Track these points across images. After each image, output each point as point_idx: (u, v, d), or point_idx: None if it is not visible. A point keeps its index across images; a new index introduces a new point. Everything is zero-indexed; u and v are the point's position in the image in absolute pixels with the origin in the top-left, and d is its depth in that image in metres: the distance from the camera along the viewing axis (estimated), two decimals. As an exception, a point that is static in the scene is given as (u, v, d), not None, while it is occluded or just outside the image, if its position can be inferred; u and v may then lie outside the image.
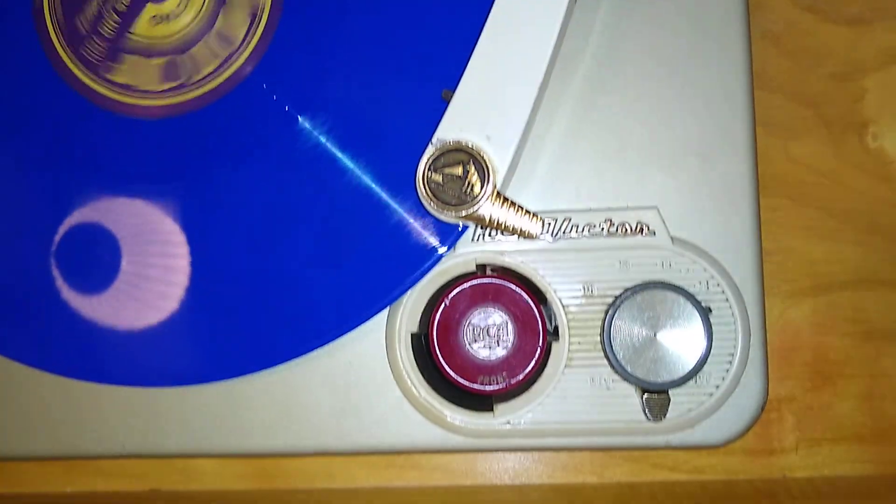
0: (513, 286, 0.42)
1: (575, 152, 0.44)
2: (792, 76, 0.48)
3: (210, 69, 0.44)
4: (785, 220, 0.48)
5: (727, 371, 0.42)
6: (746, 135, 0.44)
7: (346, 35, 0.43)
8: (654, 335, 0.41)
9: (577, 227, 0.43)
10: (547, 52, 0.41)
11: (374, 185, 0.42)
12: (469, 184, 0.40)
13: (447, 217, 0.40)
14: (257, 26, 0.44)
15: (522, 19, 0.41)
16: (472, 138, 0.40)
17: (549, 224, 0.43)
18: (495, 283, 0.42)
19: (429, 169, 0.40)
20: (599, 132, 0.44)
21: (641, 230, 0.42)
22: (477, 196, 0.40)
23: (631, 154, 0.44)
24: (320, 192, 0.42)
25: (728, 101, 0.44)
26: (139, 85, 0.44)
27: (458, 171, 0.39)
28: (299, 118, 0.42)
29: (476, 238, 0.43)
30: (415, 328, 0.42)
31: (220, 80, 0.43)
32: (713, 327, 0.41)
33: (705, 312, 0.41)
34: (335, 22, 0.43)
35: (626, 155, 0.44)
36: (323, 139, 0.42)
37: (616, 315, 0.41)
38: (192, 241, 0.41)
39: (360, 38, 0.42)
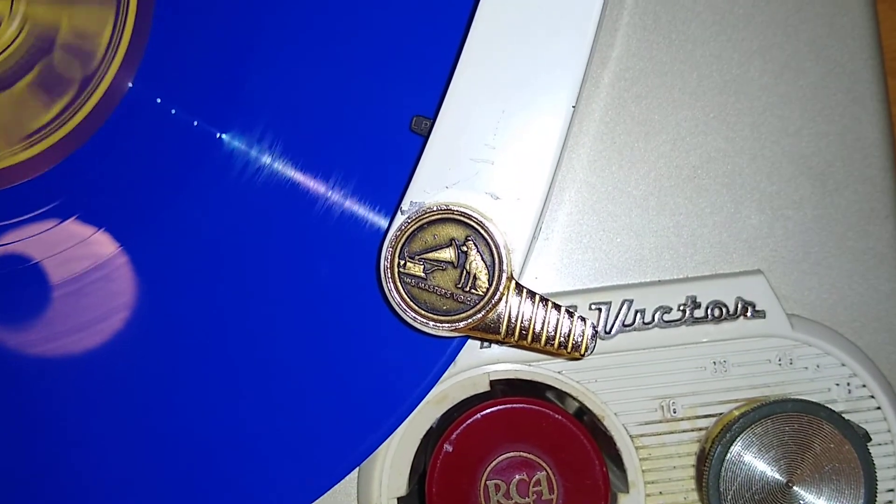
0: (551, 412, 0.32)
1: (624, 190, 0.34)
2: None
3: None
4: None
5: (889, 515, 0.32)
6: (882, 139, 0.34)
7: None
8: (788, 484, 0.31)
9: (643, 312, 0.33)
10: (588, 35, 0.28)
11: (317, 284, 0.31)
12: (468, 275, 0.28)
13: (436, 331, 0.29)
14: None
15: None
16: (468, 198, 0.28)
17: (599, 311, 0.32)
18: (523, 410, 0.32)
19: (400, 255, 0.28)
20: (660, 154, 0.34)
21: (744, 310, 0.32)
22: (485, 294, 0.28)
23: (712, 186, 0.34)
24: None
25: (852, 93, 0.34)
26: None
27: (449, 254, 0.28)
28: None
29: (486, 343, 0.33)
30: (402, 489, 0.33)
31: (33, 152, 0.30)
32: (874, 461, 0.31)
33: (862, 442, 0.30)
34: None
35: (704, 188, 0.34)
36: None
37: (728, 455, 0.30)
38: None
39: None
